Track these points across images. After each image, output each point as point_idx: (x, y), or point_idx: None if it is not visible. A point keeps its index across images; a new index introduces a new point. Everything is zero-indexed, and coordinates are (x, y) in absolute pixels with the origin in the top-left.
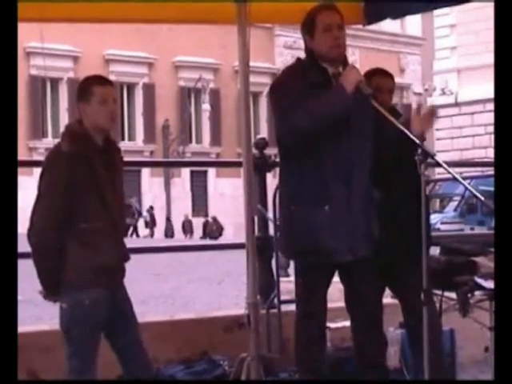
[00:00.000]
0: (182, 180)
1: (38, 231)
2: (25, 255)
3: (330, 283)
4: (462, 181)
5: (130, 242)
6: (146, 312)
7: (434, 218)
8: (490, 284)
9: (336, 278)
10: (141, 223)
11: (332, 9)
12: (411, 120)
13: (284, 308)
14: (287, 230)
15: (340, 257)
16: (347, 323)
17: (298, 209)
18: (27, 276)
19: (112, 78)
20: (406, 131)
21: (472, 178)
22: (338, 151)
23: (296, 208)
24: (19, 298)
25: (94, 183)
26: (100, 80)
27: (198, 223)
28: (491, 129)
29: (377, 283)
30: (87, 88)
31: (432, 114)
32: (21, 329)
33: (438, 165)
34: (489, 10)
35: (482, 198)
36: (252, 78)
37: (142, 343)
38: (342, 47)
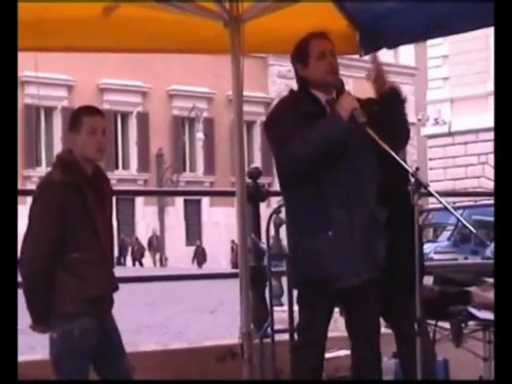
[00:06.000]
0: (176, 209)
1: (28, 261)
2: (18, 284)
3: (332, 312)
4: (454, 212)
5: (123, 271)
6: (139, 341)
7: (428, 248)
8: (483, 314)
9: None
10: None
11: (323, 36)
12: (377, 78)
13: (278, 337)
14: (293, 258)
15: (346, 282)
16: (341, 353)
17: (302, 237)
18: (19, 305)
19: (106, 107)
20: (401, 161)
21: (465, 207)
22: (336, 179)
23: (300, 236)
24: None
25: (84, 212)
26: (90, 110)
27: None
28: (484, 158)
29: (377, 308)
30: (77, 118)
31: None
32: None
33: (431, 195)
34: (481, 40)
35: (473, 230)
36: (246, 108)
37: (130, 372)
38: (337, 73)
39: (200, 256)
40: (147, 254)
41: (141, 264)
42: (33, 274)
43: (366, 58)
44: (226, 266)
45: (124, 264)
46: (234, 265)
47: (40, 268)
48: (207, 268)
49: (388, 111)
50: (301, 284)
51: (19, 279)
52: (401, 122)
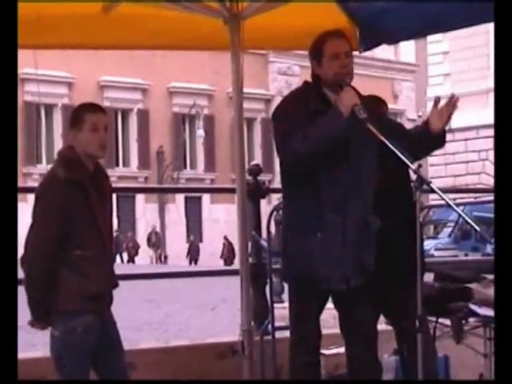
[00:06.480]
0: (177, 206)
1: (31, 258)
2: (19, 282)
3: (322, 309)
4: (457, 209)
5: (124, 268)
6: (140, 339)
7: (428, 244)
8: (483, 311)
9: (330, 304)
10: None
11: (340, 36)
12: (429, 117)
13: (278, 334)
14: (284, 254)
15: (332, 285)
16: (341, 350)
17: (293, 234)
18: (20, 302)
19: (106, 104)
20: (403, 157)
21: (465, 204)
22: (334, 178)
23: (291, 234)
24: None
25: (87, 209)
26: (92, 107)
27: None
28: (484, 155)
29: (371, 309)
30: (79, 115)
31: (451, 101)
32: None
33: (433, 191)
34: (481, 37)
35: (477, 228)
36: (246, 104)
37: (127, 370)
38: (349, 75)
39: (193, 253)
40: (145, 250)
41: (133, 261)
42: (36, 271)
43: (366, 54)
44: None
45: (122, 261)
46: (225, 261)
47: (43, 265)
48: (208, 265)
49: (426, 146)
50: (291, 280)
51: (21, 276)
52: (422, 156)
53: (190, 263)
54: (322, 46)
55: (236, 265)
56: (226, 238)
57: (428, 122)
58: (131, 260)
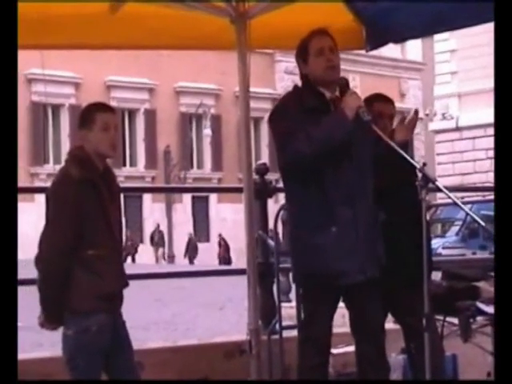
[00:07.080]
0: (184, 205)
1: (46, 258)
2: (26, 282)
3: (336, 308)
4: (463, 206)
5: (132, 267)
6: (147, 338)
7: (436, 243)
8: (491, 309)
9: (340, 303)
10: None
11: (323, 33)
12: (395, 129)
13: (286, 334)
14: (294, 254)
15: (350, 278)
16: (349, 349)
17: (304, 232)
18: (28, 302)
19: (113, 104)
20: (407, 157)
21: (473, 202)
22: (339, 177)
23: (302, 232)
24: (19, 324)
25: (100, 209)
26: (102, 107)
27: (200, 248)
28: (492, 153)
29: (380, 306)
30: (89, 115)
31: (414, 117)
32: (21, 356)
33: (439, 190)
34: (488, 35)
35: (483, 223)
36: (253, 104)
37: (136, 368)
38: (336, 69)
39: (191, 251)
40: (148, 249)
41: (133, 260)
42: (50, 271)
43: (373, 53)
44: (234, 263)
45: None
46: (221, 260)
47: (58, 265)
48: (215, 264)
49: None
50: (302, 278)
51: (24, 277)
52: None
53: (190, 262)
54: (308, 44)
55: (244, 264)
56: (222, 237)
57: (393, 133)
58: (132, 259)
